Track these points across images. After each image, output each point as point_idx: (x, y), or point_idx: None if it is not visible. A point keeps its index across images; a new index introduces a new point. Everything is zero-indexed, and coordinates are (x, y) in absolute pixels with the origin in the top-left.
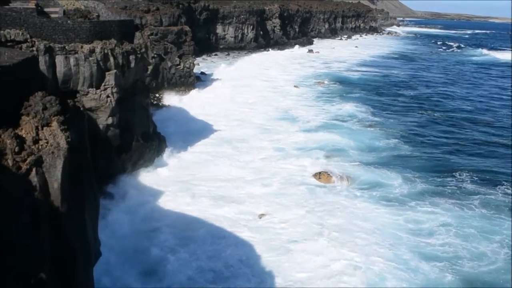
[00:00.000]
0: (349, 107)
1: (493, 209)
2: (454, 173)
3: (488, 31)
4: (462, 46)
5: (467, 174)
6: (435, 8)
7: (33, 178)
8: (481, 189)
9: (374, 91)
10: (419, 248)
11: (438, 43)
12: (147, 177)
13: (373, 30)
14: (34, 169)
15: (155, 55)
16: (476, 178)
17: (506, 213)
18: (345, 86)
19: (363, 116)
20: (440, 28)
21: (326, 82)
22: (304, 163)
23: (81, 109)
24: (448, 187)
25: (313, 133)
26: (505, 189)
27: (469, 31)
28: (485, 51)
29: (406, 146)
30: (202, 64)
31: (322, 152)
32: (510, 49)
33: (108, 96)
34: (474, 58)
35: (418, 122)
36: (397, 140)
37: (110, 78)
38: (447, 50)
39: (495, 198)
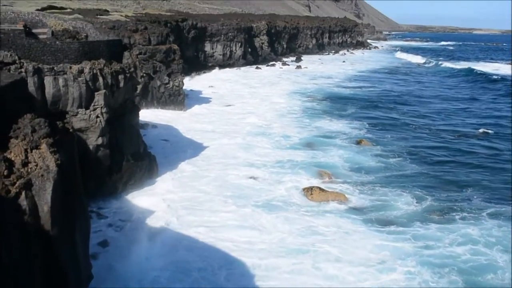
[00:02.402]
0: (340, 123)
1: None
2: (461, 190)
3: (473, 43)
4: (448, 59)
5: (473, 190)
6: (420, 21)
7: (23, 201)
8: (490, 204)
9: (366, 106)
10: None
11: (425, 56)
12: (138, 197)
13: (360, 44)
14: (23, 193)
15: (144, 74)
16: (484, 194)
17: None
18: (335, 101)
19: (355, 132)
20: (426, 41)
21: (315, 97)
22: (294, 179)
23: (71, 130)
24: (457, 205)
25: (303, 150)
26: None
27: (453, 43)
28: (475, 63)
29: (403, 163)
30: (191, 82)
31: (314, 169)
32: (494, 61)
33: (97, 116)
34: (462, 71)
35: (413, 137)
36: (393, 157)
37: (99, 98)
38: (433, 64)
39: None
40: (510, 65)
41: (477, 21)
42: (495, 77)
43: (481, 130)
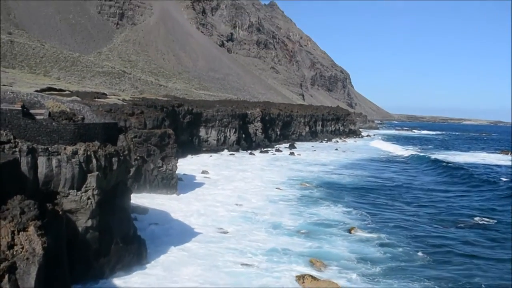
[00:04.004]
0: (336, 211)
1: None
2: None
3: (463, 133)
4: (440, 149)
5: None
6: (411, 111)
7: (5, 285)
8: None
9: (361, 194)
10: None
11: (416, 146)
12: (125, 282)
13: (353, 133)
14: (6, 276)
15: (138, 157)
16: None
17: None
18: (330, 189)
19: (351, 220)
20: (417, 130)
21: (310, 184)
22: (286, 267)
23: (60, 212)
24: None
25: (296, 237)
26: None
27: (443, 132)
28: (465, 153)
29: (408, 255)
30: (184, 167)
31: (307, 258)
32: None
33: (89, 198)
34: (450, 163)
35: (412, 225)
36: (391, 247)
37: (91, 180)
38: (422, 154)
39: None
40: (501, 155)
41: (467, 112)
42: (481, 173)
43: (477, 218)
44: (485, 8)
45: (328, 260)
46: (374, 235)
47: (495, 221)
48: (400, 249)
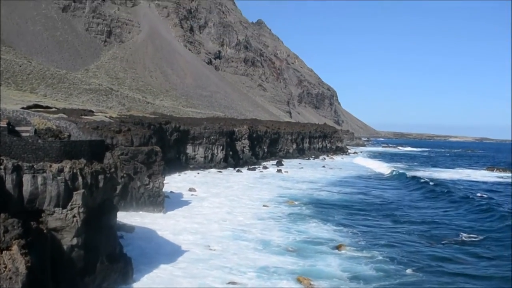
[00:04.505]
0: (326, 229)
1: None
2: None
3: (449, 150)
4: (426, 166)
5: None
6: (398, 128)
7: None
8: None
9: (351, 212)
10: None
11: (402, 163)
12: None
13: (340, 150)
14: None
15: (125, 175)
16: None
17: None
18: (319, 206)
19: (343, 239)
20: (404, 147)
21: (298, 202)
22: (274, 285)
23: (45, 230)
24: None
25: (284, 255)
26: None
27: (429, 149)
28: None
29: (399, 273)
30: (171, 184)
31: (294, 276)
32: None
33: (74, 216)
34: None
35: (405, 245)
36: (387, 265)
37: (77, 198)
38: (407, 171)
39: None
40: (487, 171)
41: (453, 129)
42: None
43: (464, 235)
44: (471, 27)
45: (317, 278)
46: (364, 253)
47: (482, 237)
48: (392, 267)
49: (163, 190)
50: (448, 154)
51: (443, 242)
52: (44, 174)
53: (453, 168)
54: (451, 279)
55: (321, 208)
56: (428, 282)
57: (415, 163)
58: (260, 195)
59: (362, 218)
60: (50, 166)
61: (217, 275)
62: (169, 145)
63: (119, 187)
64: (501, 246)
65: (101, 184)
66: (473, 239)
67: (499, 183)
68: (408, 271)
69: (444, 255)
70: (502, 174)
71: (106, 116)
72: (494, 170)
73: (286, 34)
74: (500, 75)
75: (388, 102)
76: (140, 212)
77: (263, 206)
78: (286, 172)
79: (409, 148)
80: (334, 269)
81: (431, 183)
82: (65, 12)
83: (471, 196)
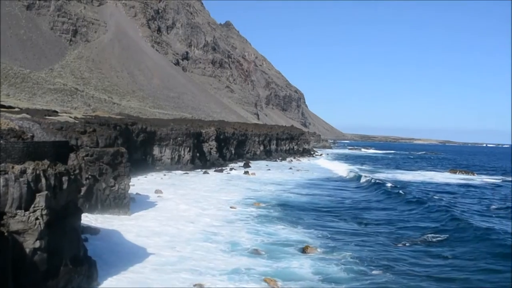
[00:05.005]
0: (295, 231)
1: None
2: None
3: (414, 152)
4: (391, 167)
5: None
6: (364, 131)
7: None
8: None
9: (320, 214)
10: None
11: (367, 165)
12: None
13: (307, 152)
14: None
15: (90, 176)
16: None
17: None
18: (288, 208)
19: (313, 240)
20: (369, 149)
21: (267, 204)
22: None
23: (6, 233)
24: None
25: (252, 257)
26: None
27: (394, 151)
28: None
29: (370, 274)
30: (137, 186)
31: (262, 277)
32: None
33: (37, 219)
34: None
35: (375, 247)
36: (357, 266)
37: (40, 200)
38: (377, 172)
39: None
40: (449, 173)
41: (417, 131)
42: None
43: (430, 235)
44: (435, 35)
45: (286, 280)
46: (333, 255)
47: (446, 235)
48: (361, 268)
49: (129, 192)
50: (412, 157)
51: (408, 242)
52: (6, 176)
53: (416, 170)
54: (418, 278)
55: (289, 210)
56: (395, 283)
57: (380, 165)
58: (228, 197)
59: (331, 220)
60: (12, 167)
61: (185, 277)
62: (136, 146)
63: (83, 189)
64: (463, 246)
65: (65, 186)
66: (438, 238)
67: (461, 185)
68: (377, 272)
69: (409, 255)
70: (465, 176)
71: (70, 117)
72: (457, 172)
73: (255, 36)
74: (463, 81)
75: (355, 105)
76: (105, 215)
77: (231, 208)
78: (253, 174)
79: (374, 150)
80: (303, 270)
81: (395, 185)
82: (30, 10)
83: (435, 197)
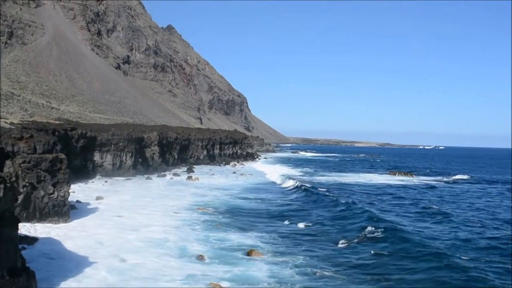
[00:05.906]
0: (245, 236)
1: None
2: None
3: (355, 155)
4: (334, 170)
5: None
6: (306, 134)
7: None
8: None
9: (269, 218)
10: None
11: (311, 167)
12: None
13: (250, 156)
14: None
15: (27, 184)
16: None
17: None
18: (236, 214)
19: (264, 245)
20: (311, 152)
21: (212, 209)
22: None
23: None
24: None
25: (199, 263)
26: None
27: (336, 154)
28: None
29: (318, 276)
30: (77, 193)
31: (207, 282)
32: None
33: None
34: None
35: (323, 248)
36: (306, 268)
37: None
38: (319, 175)
39: None
40: (389, 175)
41: (358, 134)
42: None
43: (369, 229)
44: (385, 41)
45: (236, 284)
46: (283, 258)
47: (382, 229)
48: (309, 270)
49: (69, 199)
50: (353, 159)
51: (353, 241)
52: None
53: (357, 172)
54: (369, 276)
55: (237, 215)
56: (350, 282)
57: (321, 169)
58: (173, 203)
59: (280, 224)
60: None
61: (132, 286)
62: (75, 152)
63: (20, 197)
64: (404, 241)
65: (0, 194)
66: (376, 235)
67: (401, 186)
68: (326, 273)
69: (353, 252)
70: (404, 177)
71: (6, 122)
72: (396, 174)
73: (197, 40)
74: (405, 84)
75: (298, 109)
76: (44, 223)
77: (177, 214)
78: (197, 179)
79: (317, 154)
80: (253, 274)
81: (336, 188)
82: None
83: (379, 197)
